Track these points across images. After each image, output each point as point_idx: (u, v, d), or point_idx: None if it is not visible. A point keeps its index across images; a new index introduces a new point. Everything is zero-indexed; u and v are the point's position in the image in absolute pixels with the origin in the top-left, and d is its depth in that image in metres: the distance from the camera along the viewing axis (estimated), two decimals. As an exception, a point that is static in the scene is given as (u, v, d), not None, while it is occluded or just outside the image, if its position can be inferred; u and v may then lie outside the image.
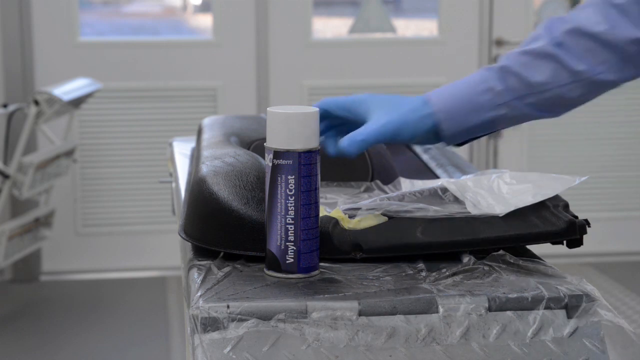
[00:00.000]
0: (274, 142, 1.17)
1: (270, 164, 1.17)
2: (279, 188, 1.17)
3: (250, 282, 1.15)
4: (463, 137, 1.30)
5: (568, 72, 1.26)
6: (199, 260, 1.22)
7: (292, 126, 1.17)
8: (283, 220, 1.17)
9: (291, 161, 1.17)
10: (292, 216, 1.17)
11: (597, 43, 1.25)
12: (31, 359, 3.42)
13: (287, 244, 1.17)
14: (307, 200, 1.17)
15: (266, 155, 1.18)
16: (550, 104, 1.28)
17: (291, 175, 1.17)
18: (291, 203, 1.17)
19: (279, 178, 1.17)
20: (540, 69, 1.26)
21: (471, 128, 1.28)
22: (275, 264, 1.18)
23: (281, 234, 1.17)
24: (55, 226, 4.00)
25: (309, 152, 1.17)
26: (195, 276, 1.16)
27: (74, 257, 4.28)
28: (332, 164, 1.56)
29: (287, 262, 1.17)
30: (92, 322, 3.72)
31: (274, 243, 1.18)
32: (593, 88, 1.28)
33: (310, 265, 1.18)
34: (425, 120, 1.26)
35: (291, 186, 1.17)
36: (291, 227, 1.17)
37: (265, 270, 1.19)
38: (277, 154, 1.17)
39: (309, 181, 1.17)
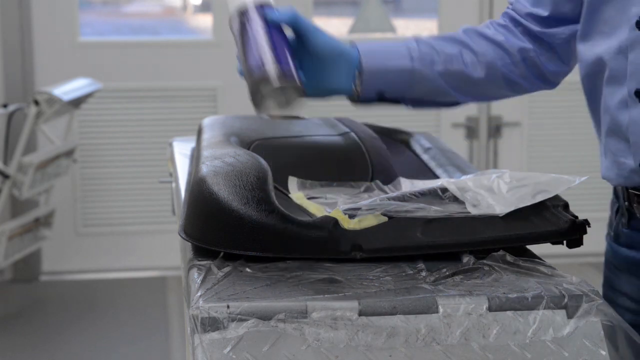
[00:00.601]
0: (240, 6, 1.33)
1: (238, 25, 1.31)
2: (255, 26, 1.29)
3: (250, 282, 1.15)
4: (379, 83, 1.40)
5: (472, 52, 1.43)
6: (199, 260, 1.22)
7: None
8: (266, 44, 1.28)
9: (259, 11, 1.33)
10: (270, 42, 1.28)
11: (494, 45, 1.45)
12: (31, 359, 3.42)
13: (272, 59, 1.26)
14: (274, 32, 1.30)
15: (234, 24, 1.32)
16: (458, 80, 1.43)
17: (255, 16, 1.31)
18: (267, 35, 1.29)
19: (247, 23, 1.30)
20: (448, 46, 1.43)
21: (388, 70, 1.39)
22: (264, 81, 1.25)
23: (266, 54, 1.27)
24: (55, 226, 4.00)
25: (262, 5, 1.34)
26: (195, 276, 1.16)
27: (74, 257, 4.28)
28: (332, 163, 1.56)
29: (276, 70, 1.25)
30: (92, 322, 3.72)
31: (256, 64, 1.27)
32: (493, 75, 1.45)
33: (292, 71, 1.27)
34: (350, 50, 1.38)
35: (263, 25, 1.30)
36: (272, 47, 1.28)
37: (256, 99, 1.27)
38: (242, 13, 1.32)
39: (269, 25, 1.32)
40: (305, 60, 1.34)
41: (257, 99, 1.24)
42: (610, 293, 1.40)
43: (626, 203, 1.36)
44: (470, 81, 1.44)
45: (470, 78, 1.43)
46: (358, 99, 1.40)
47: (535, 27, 1.44)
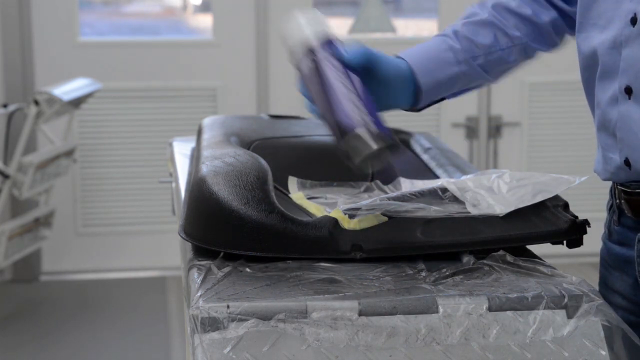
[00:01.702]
0: (297, 45, 1.25)
1: (312, 63, 1.23)
2: (333, 71, 1.21)
3: (250, 282, 1.15)
4: (434, 94, 1.42)
5: (506, 37, 1.46)
6: (199, 260, 1.22)
7: (316, 21, 1.27)
8: (351, 96, 1.19)
9: (329, 49, 1.24)
10: (354, 91, 1.20)
11: (524, 20, 1.46)
12: (31, 359, 3.42)
13: (364, 116, 1.18)
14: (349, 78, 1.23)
15: (302, 61, 1.24)
16: (496, 65, 1.47)
17: (334, 59, 1.23)
18: (347, 80, 1.21)
19: (320, 65, 1.22)
20: (484, 34, 1.45)
21: (440, 82, 1.42)
22: (362, 143, 1.16)
23: (356, 109, 1.18)
24: (55, 226, 4.00)
25: (330, 42, 1.26)
26: (195, 276, 1.16)
27: (74, 257, 4.28)
28: (332, 163, 1.56)
29: (372, 130, 1.16)
30: (91, 322, 3.72)
31: (354, 122, 1.17)
32: (525, 54, 1.48)
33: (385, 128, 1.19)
34: (407, 69, 1.40)
35: (339, 67, 1.22)
36: (358, 100, 1.19)
37: (353, 159, 1.17)
38: (312, 52, 1.24)
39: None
40: (372, 87, 1.32)
41: (351, 155, 1.18)
42: (604, 291, 1.41)
43: (617, 200, 1.36)
44: (506, 64, 1.48)
45: (506, 62, 1.47)
46: (414, 109, 1.46)
47: (558, 2, 1.47)
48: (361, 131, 1.16)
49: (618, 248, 1.38)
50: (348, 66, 1.26)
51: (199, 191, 1.28)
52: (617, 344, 1.10)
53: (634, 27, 1.25)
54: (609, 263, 1.41)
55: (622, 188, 1.34)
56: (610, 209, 1.41)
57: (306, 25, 1.27)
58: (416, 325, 1.08)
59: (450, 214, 1.25)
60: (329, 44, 1.26)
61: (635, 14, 1.25)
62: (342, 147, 1.18)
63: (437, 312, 1.09)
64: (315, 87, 1.23)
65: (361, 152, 1.17)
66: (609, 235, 1.40)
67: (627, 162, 1.29)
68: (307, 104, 1.29)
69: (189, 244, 1.28)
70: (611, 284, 1.40)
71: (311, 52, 1.25)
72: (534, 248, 1.29)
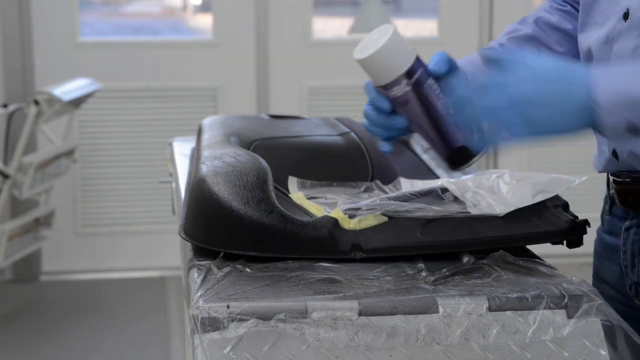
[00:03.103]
0: (397, 68, 1.23)
1: (409, 87, 1.23)
2: (429, 92, 1.24)
3: (250, 282, 1.15)
4: None
5: (550, 52, 1.44)
6: (199, 260, 1.22)
7: (399, 45, 1.24)
8: (449, 115, 1.24)
9: (420, 70, 1.24)
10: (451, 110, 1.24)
11: (565, 35, 1.45)
12: (31, 359, 3.42)
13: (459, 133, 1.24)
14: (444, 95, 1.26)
15: (394, 88, 1.24)
16: None
17: (429, 78, 1.24)
18: (443, 100, 1.23)
19: (425, 86, 1.24)
20: (529, 49, 1.44)
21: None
22: (465, 155, 1.24)
23: (454, 127, 1.24)
24: (55, 226, 4.00)
25: (419, 59, 1.26)
26: (195, 276, 1.16)
27: (74, 257, 4.27)
28: (332, 163, 1.56)
29: (471, 144, 1.24)
30: (92, 322, 3.72)
31: (457, 139, 1.24)
32: None
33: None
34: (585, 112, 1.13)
35: (435, 86, 1.24)
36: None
37: (451, 168, 1.26)
38: (410, 73, 1.23)
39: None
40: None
41: (452, 165, 1.28)
42: (596, 282, 1.42)
43: (610, 191, 1.38)
44: None
45: None
46: None
47: None
48: (465, 144, 1.24)
49: (608, 237, 1.39)
50: (437, 77, 1.25)
51: (199, 191, 1.28)
52: (619, 344, 1.10)
53: (625, 21, 1.26)
54: (600, 253, 1.43)
55: (613, 178, 1.36)
56: (605, 199, 1.42)
57: (390, 46, 1.23)
58: (416, 325, 1.08)
59: (450, 214, 1.25)
60: (419, 62, 1.25)
61: (627, 9, 1.26)
62: (449, 158, 1.26)
63: (437, 312, 1.09)
64: (415, 109, 1.24)
65: (467, 160, 1.25)
66: (602, 225, 1.42)
67: (614, 154, 1.30)
68: (367, 113, 1.29)
69: (189, 244, 1.28)
70: (602, 273, 1.42)
71: (408, 75, 1.24)
72: (534, 248, 1.29)
